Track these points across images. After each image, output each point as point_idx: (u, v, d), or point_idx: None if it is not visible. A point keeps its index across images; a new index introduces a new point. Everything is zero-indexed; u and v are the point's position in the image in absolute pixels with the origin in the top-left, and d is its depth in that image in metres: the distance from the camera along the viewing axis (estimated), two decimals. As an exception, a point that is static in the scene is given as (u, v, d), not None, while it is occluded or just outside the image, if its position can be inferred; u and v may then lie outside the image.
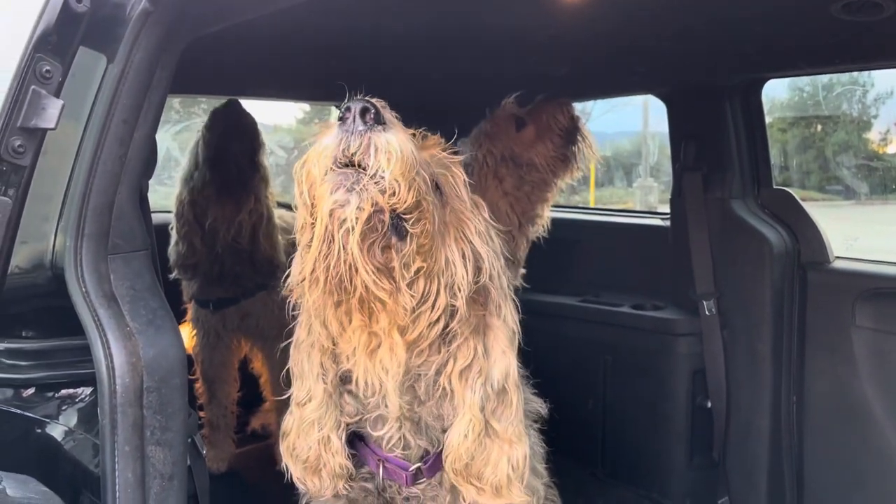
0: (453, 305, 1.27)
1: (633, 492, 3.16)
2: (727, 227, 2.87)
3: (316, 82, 3.31)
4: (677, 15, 2.07)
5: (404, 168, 1.14)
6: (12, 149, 1.23)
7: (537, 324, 3.34)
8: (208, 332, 3.16)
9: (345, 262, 1.16)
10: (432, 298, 1.24)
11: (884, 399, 2.54)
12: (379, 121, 1.15)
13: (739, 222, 2.83)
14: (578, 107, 2.89)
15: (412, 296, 1.21)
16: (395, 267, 1.19)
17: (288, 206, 3.37)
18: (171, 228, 3.08)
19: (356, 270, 1.16)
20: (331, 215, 1.14)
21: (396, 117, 1.21)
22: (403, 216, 1.17)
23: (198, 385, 3.20)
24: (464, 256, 1.28)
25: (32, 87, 1.23)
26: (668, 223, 3.20)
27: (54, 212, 1.42)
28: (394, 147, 1.14)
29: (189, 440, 1.44)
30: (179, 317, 2.84)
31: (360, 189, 1.13)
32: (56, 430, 1.46)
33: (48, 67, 1.25)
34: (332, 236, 1.15)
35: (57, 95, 1.28)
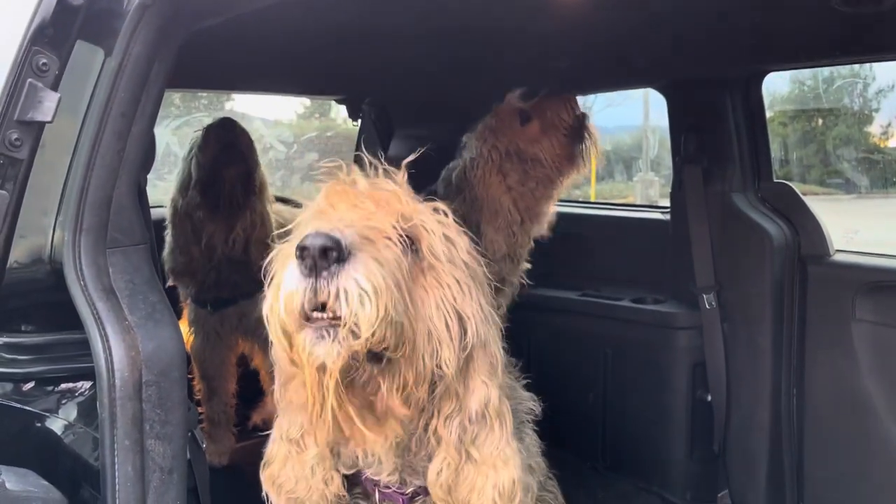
0: (441, 376, 1.26)
1: (633, 484, 3.16)
2: (727, 221, 2.87)
3: (315, 76, 3.31)
4: (677, 8, 2.06)
5: (379, 308, 1.09)
6: (9, 142, 1.22)
7: (538, 318, 3.37)
8: (208, 332, 3.16)
9: (333, 404, 1.16)
10: (420, 380, 1.23)
11: (884, 392, 2.54)
12: (341, 258, 1.08)
13: (740, 216, 2.82)
14: (579, 101, 2.88)
15: (403, 404, 1.22)
16: (383, 391, 1.19)
17: (284, 200, 3.36)
18: (166, 233, 3.06)
19: (340, 416, 1.18)
20: (310, 367, 1.13)
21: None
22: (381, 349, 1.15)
23: (195, 382, 3.20)
24: (447, 326, 1.24)
25: (29, 80, 1.23)
26: (668, 217, 3.20)
27: (53, 206, 1.42)
28: (365, 285, 1.08)
29: (189, 434, 1.44)
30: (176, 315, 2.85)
31: (337, 343, 1.10)
32: (56, 424, 1.46)
33: (45, 60, 1.25)
34: (317, 384, 1.15)
35: (54, 89, 1.28)
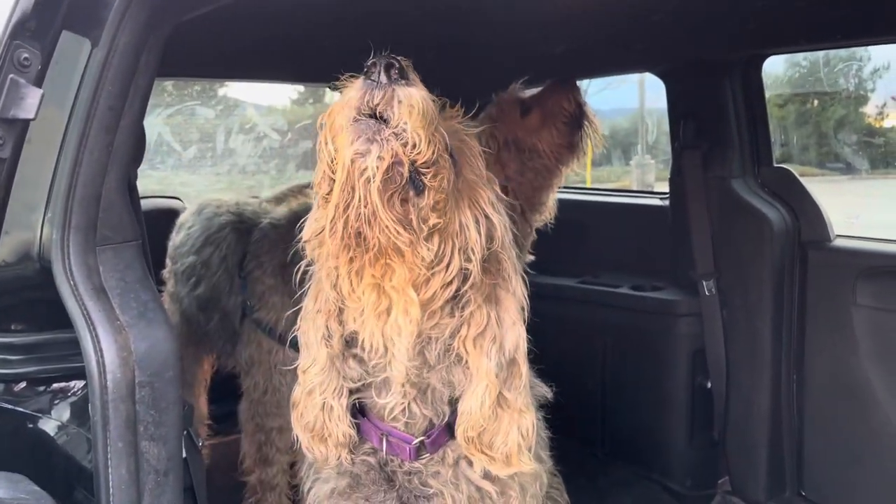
0: (466, 268, 1.29)
1: (633, 472, 3.16)
2: (727, 207, 2.84)
3: (308, 63, 3.26)
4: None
5: (425, 121, 1.16)
6: (-9, 140, 1.19)
7: (536, 306, 3.32)
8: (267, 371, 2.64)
9: (364, 211, 1.17)
10: (447, 259, 1.26)
11: (884, 377, 2.53)
12: (403, 76, 1.17)
13: (739, 201, 2.80)
14: (575, 85, 2.84)
15: (429, 248, 1.23)
16: (413, 219, 1.20)
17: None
18: None
19: (375, 220, 1.18)
20: (352, 164, 1.16)
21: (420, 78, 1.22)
22: (421, 170, 1.19)
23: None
24: (477, 222, 1.30)
25: (10, 75, 1.19)
26: (666, 203, 3.17)
27: (41, 202, 1.38)
28: (416, 100, 1.16)
29: (184, 433, 1.41)
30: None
31: (382, 139, 1.15)
32: (48, 425, 1.43)
33: (27, 55, 1.21)
34: (353, 186, 1.17)
35: (38, 84, 1.23)
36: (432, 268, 1.25)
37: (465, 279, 1.30)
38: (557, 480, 1.98)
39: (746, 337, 2.82)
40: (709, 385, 2.94)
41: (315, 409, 1.40)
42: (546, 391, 1.64)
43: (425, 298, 1.28)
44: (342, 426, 1.40)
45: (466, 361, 1.36)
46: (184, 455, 1.41)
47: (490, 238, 1.33)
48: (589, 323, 3.27)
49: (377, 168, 1.14)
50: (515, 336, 1.37)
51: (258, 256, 2.51)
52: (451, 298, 1.32)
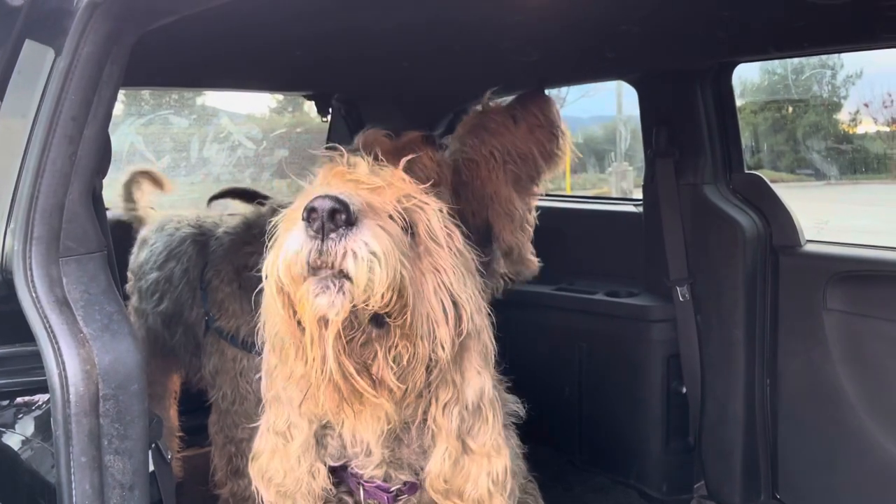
0: (436, 360, 1.25)
1: (610, 478, 3.17)
2: (700, 213, 2.87)
3: (283, 72, 3.25)
4: (646, -1, 2.04)
5: (386, 273, 1.09)
6: (-54, 151, 1.17)
7: (513, 313, 3.35)
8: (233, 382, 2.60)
9: (328, 365, 1.14)
10: (415, 363, 1.21)
11: (855, 380, 2.56)
12: (350, 222, 1.08)
13: (712, 208, 2.83)
14: (553, 92, 2.86)
15: (396, 380, 1.20)
16: (379, 358, 1.18)
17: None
18: None
19: (337, 374, 1.15)
20: (314, 321, 1.11)
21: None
22: (382, 312, 1.14)
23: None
24: (444, 309, 1.24)
25: (-35, 86, 1.17)
26: (641, 209, 3.20)
27: (2, 214, 1.36)
28: (375, 250, 1.08)
29: (152, 446, 1.39)
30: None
31: (341, 294, 1.09)
32: (12, 440, 1.40)
33: (-18, 65, 1.19)
34: (313, 341, 1.13)
35: (-4, 94, 1.22)
36: (401, 378, 1.22)
37: (435, 363, 1.26)
38: (532, 486, 1.98)
39: (720, 342, 2.84)
40: (683, 390, 2.96)
41: (301, 474, 1.36)
42: (517, 407, 1.63)
43: (397, 400, 1.25)
44: (321, 481, 1.37)
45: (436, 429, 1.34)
46: (151, 469, 1.39)
47: (459, 319, 1.27)
48: (565, 329, 3.28)
49: (336, 321, 1.10)
50: (478, 386, 1.32)
51: (216, 265, 2.47)
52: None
